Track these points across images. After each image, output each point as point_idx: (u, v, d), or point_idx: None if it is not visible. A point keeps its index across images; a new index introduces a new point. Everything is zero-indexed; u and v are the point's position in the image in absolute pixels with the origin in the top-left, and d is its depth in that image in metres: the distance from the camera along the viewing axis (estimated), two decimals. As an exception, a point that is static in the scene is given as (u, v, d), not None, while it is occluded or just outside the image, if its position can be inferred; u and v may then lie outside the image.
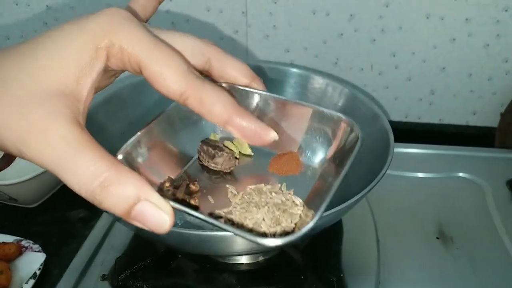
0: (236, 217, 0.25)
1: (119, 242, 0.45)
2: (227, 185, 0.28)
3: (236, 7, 0.60)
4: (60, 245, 0.48)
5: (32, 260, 0.44)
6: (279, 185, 0.27)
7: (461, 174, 0.56)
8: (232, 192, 0.27)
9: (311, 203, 0.26)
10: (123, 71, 0.23)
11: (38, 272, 0.43)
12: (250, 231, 0.25)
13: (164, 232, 0.19)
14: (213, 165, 0.28)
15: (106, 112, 0.43)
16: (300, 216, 0.25)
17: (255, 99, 0.28)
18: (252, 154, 0.30)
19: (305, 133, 0.29)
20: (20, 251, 0.45)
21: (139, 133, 0.25)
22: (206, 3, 0.60)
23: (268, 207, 0.26)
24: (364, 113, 0.45)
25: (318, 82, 0.49)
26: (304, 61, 0.64)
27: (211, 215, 0.26)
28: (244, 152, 0.30)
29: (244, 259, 0.42)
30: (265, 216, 0.25)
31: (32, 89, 0.19)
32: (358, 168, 0.42)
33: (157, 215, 0.18)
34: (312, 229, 0.21)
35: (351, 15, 0.59)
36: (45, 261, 0.44)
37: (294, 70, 0.50)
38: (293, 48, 0.63)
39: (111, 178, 0.18)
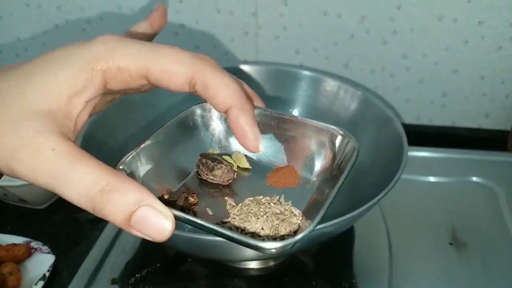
0: (234, 227, 0.26)
1: (129, 245, 0.45)
2: (226, 198, 0.28)
3: (246, 8, 0.60)
4: (69, 246, 0.48)
5: (42, 262, 0.44)
6: (278, 197, 0.27)
7: (474, 179, 0.55)
8: (230, 204, 0.27)
9: (309, 214, 0.26)
10: (124, 94, 0.24)
11: (47, 274, 0.43)
12: (248, 236, 0.25)
13: (163, 240, 0.18)
14: (211, 177, 0.29)
15: (116, 114, 0.43)
16: (299, 226, 0.25)
17: None
18: (250, 167, 0.30)
19: (302, 146, 0.29)
20: (29, 252, 0.45)
21: (139, 146, 0.26)
22: (217, 4, 0.60)
23: (267, 217, 0.25)
24: (376, 116, 0.45)
25: (329, 84, 0.48)
26: (314, 63, 0.63)
27: None
28: (242, 165, 0.30)
29: (254, 264, 0.42)
30: (264, 225, 0.25)
31: (24, 110, 0.19)
32: (370, 173, 0.42)
33: (158, 221, 0.18)
34: (308, 235, 0.21)
35: (362, 16, 0.59)
36: (54, 262, 0.44)
37: (306, 72, 0.49)
38: (303, 49, 0.62)
39: (111, 184, 0.18)
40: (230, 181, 0.29)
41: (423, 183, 0.55)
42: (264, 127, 0.29)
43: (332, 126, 0.28)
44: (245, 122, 0.23)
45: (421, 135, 0.66)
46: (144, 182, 0.26)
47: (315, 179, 0.29)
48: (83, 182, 0.18)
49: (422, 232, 0.48)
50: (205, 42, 0.63)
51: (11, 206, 0.53)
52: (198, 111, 0.30)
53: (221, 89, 0.22)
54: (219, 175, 0.28)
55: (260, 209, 0.26)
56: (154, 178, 0.27)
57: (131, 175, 0.25)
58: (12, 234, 0.47)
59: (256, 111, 0.28)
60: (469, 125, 0.66)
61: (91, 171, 0.18)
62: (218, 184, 0.29)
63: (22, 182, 0.48)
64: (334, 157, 0.28)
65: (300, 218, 0.26)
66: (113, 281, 0.41)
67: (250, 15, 0.60)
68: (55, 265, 0.44)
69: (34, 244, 0.46)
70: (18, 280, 0.42)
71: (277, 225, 0.25)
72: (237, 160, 0.31)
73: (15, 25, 0.65)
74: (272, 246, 0.21)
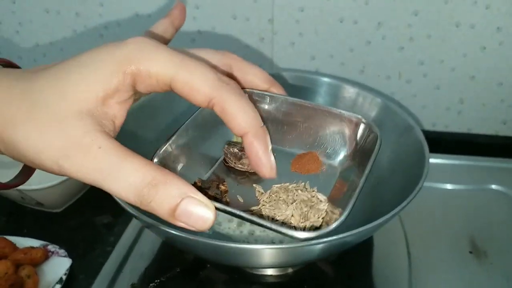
0: (266, 214, 0.26)
1: (148, 250, 0.45)
2: (254, 185, 0.29)
3: (262, 15, 0.60)
4: (85, 250, 0.48)
5: (58, 265, 0.44)
6: (303, 183, 0.28)
7: (493, 186, 0.54)
8: (259, 191, 0.28)
9: (334, 200, 0.27)
10: (148, 93, 0.24)
11: (64, 277, 0.43)
12: (282, 225, 0.25)
13: (206, 229, 0.19)
14: (240, 166, 0.29)
15: (138, 120, 0.43)
16: (326, 212, 0.26)
17: (275, 102, 0.29)
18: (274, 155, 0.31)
19: (324, 133, 0.30)
20: (46, 255, 0.45)
21: (170, 138, 0.27)
22: (233, 11, 0.60)
23: (296, 204, 0.26)
24: (396, 123, 0.44)
25: (348, 91, 0.48)
26: (329, 69, 0.63)
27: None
28: None
29: (273, 271, 0.41)
30: (294, 212, 0.26)
31: (67, 110, 0.20)
32: (390, 180, 0.42)
33: (201, 211, 0.19)
34: (341, 224, 0.22)
35: (379, 23, 0.58)
36: (70, 266, 0.44)
37: (324, 79, 0.49)
38: (319, 55, 0.62)
39: (157, 179, 0.19)
40: None
41: (441, 191, 0.55)
42: (286, 115, 0.29)
43: (355, 114, 0.28)
44: (259, 148, 0.23)
45: (436, 142, 0.65)
46: (180, 173, 0.26)
47: (337, 165, 0.29)
48: (131, 177, 0.19)
49: (441, 241, 0.48)
50: (221, 48, 0.63)
51: (29, 209, 0.54)
52: None
53: (238, 115, 0.22)
54: (247, 163, 0.29)
55: (289, 196, 0.27)
56: (185, 167, 0.27)
57: (165, 166, 0.26)
58: (29, 237, 0.47)
59: (278, 99, 0.29)
60: (486, 131, 0.65)
61: (137, 167, 0.19)
62: (245, 171, 0.29)
63: (39, 186, 0.48)
64: (356, 144, 0.28)
65: (327, 205, 0.26)
66: (133, 286, 0.41)
67: (266, 21, 0.61)
68: (71, 269, 0.44)
69: (51, 247, 0.46)
70: (36, 283, 0.42)
71: (306, 212, 0.26)
72: None
73: (34, 31, 0.66)
74: (306, 236, 0.22)
